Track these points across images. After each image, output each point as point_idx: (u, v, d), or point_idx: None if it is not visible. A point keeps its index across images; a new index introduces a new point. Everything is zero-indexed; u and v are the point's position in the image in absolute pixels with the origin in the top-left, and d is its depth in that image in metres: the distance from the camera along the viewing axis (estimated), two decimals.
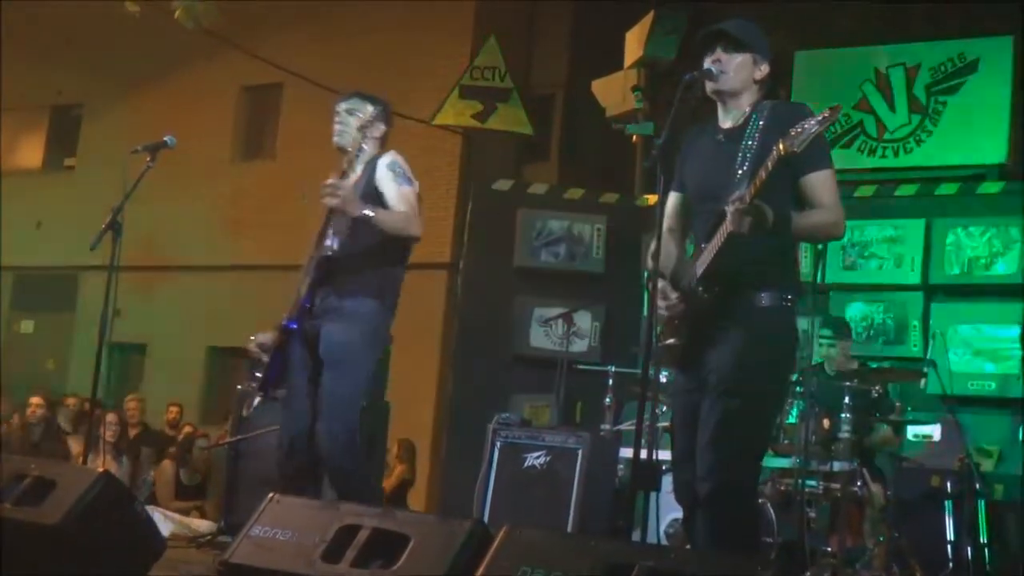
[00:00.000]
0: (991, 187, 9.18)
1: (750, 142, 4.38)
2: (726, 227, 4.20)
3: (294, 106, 16.64)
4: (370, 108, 5.77)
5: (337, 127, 5.76)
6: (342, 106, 5.78)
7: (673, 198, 4.63)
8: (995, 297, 8.82)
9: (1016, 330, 8.50)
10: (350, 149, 5.71)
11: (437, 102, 12.29)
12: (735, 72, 4.44)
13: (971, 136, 9.58)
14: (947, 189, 9.30)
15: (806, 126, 4.02)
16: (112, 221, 6.06)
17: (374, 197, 5.55)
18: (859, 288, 9.26)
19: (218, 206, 16.82)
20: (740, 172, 4.33)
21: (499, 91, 12.18)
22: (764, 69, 4.51)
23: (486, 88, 12.25)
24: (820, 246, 7.33)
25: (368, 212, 5.40)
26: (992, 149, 9.45)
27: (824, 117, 4.02)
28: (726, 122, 4.54)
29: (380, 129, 5.79)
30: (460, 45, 14.97)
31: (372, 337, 5.60)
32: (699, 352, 4.43)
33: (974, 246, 8.90)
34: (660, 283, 4.50)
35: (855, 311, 9.17)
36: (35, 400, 11.48)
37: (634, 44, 11.28)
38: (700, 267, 4.39)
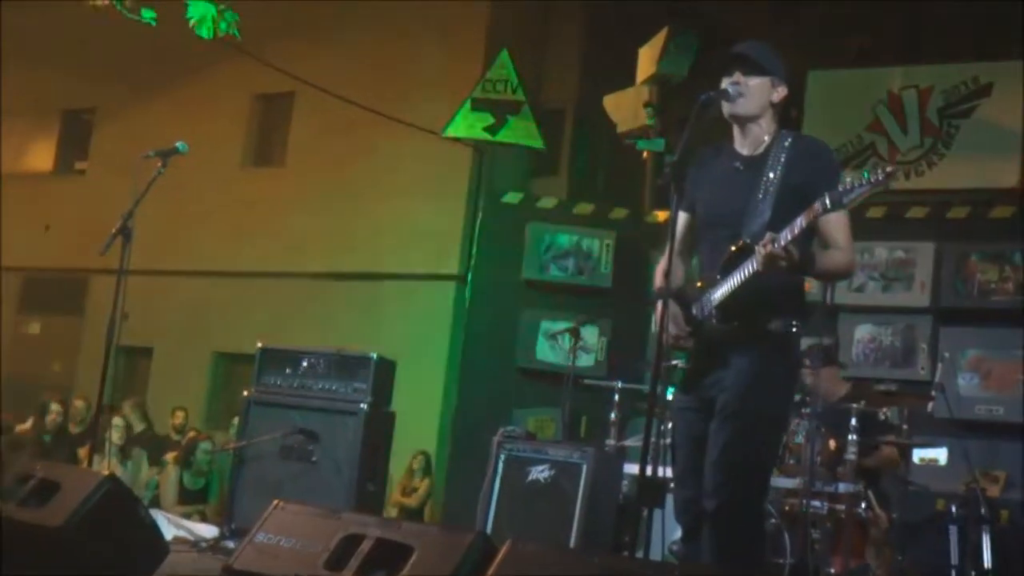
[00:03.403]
0: (1002, 211, 9.16)
1: (771, 174, 4.34)
2: (754, 266, 4.18)
3: (305, 115, 16.64)
4: None
5: None
6: None
7: (682, 219, 4.55)
8: (1004, 322, 8.79)
9: None
10: None
11: (448, 114, 12.27)
12: (753, 95, 4.41)
13: (983, 160, 9.56)
14: (958, 213, 9.27)
15: (856, 185, 3.93)
16: (123, 226, 6.09)
17: None
18: (867, 309, 9.25)
19: (227, 212, 16.81)
20: (761, 204, 4.31)
21: (511, 104, 12.16)
22: (781, 92, 4.48)
23: (497, 101, 12.22)
24: None
25: None
26: (1004, 173, 9.43)
27: (877, 180, 3.91)
28: (744, 149, 4.50)
29: None
30: (472, 58, 14.95)
31: None
32: (705, 373, 4.44)
33: (984, 270, 8.88)
34: (672, 307, 4.46)
35: (863, 332, 9.16)
36: (55, 407, 11.53)
37: (647, 61, 11.27)
38: (717, 297, 4.38)
